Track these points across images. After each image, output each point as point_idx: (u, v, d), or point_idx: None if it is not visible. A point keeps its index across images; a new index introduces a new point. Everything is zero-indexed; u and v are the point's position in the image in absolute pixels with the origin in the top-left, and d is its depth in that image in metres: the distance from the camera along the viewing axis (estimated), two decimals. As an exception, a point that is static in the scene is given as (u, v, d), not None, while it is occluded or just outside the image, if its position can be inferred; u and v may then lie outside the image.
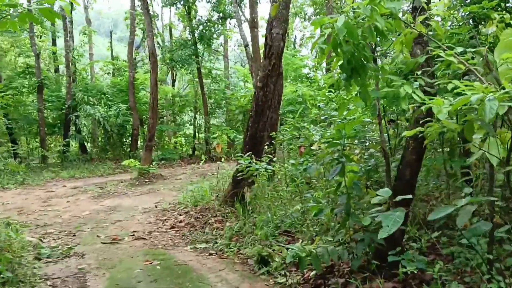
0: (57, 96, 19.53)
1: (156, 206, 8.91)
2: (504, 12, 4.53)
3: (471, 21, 5.33)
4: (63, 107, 18.95)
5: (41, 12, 3.91)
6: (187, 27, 20.97)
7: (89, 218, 7.88)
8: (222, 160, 10.51)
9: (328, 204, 4.65)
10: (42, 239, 6.29)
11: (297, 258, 3.82)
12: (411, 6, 3.73)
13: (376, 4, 2.69)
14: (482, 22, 4.91)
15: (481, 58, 2.86)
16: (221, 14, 19.65)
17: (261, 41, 13.11)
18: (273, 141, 7.45)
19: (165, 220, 7.53)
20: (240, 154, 6.43)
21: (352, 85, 3.05)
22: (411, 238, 4.18)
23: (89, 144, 21.47)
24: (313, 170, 4.81)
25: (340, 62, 2.98)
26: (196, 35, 19.77)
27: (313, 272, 3.97)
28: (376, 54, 3.81)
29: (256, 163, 5.96)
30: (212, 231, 6.23)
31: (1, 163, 13.99)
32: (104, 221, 7.63)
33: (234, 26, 22.54)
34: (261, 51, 9.70)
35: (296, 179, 5.90)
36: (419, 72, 3.17)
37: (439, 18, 4.55)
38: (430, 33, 3.65)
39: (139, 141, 20.16)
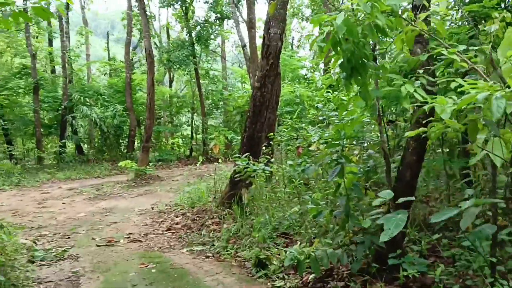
0: (53, 97, 19.42)
1: (152, 208, 8.81)
2: (504, 11, 4.47)
3: (470, 20, 5.27)
4: (60, 108, 18.83)
5: (34, 11, 3.84)
6: (185, 28, 20.89)
7: (84, 220, 7.79)
8: (220, 161, 10.44)
9: (327, 205, 4.57)
10: (36, 241, 6.20)
11: (295, 261, 3.75)
12: (411, 5, 3.66)
13: (377, 1, 2.62)
14: (483, 21, 4.84)
15: (484, 57, 2.80)
16: (218, 15, 19.59)
17: (259, 41, 13.07)
18: (271, 142, 7.37)
19: (161, 222, 7.45)
20: (237, 155, 6.36)
21: (352, 84, 2.98)
22: (411, 240, 4.11)
23: (85, 145, 21.36)
24: (311, 171, 4.74)
25: (339, 61, 2.91)
26: (193, 35, 19.70)
27: (312, 276, 3.90)
28: (375, 53, 3.74)
29: (253, 164, 5.89)
30: (209, 233, 6.15)
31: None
32: (99, 223, 7.54)
33: (232, 27, 22.51)
34: (259, 52, 9.63)
35: (294, 180, 5.82)
36: (421, 71, 3.10)
37: (438, 17, 4.48)
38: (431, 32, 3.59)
39: (136, 142, 20.07)
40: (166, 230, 6.80)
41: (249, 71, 16.94)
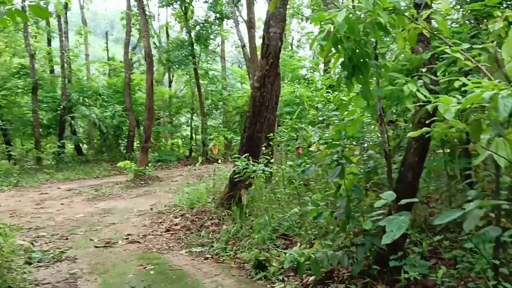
0: (52, 97, 19.35)
1: (151, 209, 8.76)
2: (506, 10, 4.43)
3: (471, 20, 5.23)
4: (58, 108, 18.77)
5: (31, 9, 3.79)
6: (184, 28, 20.84)
7: (83, 221, 7.73)
8: (219, 161, 10.37)
9: (327, 207, 4.52)
10: (33, 242, 6.14)
11: (295, 263, 3.71)
12: (413, 3, 3.61)
13: (379, -2, 2.57)
14: (485, 20, 4.80)
15: (488, 55, 2.74)
16: (218, 15, 19.54)
17: (258, 42, 13.02)
18: (270, 143, 7.32)
19: (160, 223, 7.39)
20: (237, 155, 6.31)
21: (354, 83, 2.93)
22: (412, 241, 4.06)
23: (84, 146, 21.29)
24: (311, 172, 4.69)
25: (340, 60, 2.86)
26: (193, 35, 19.64)
27: (312, 278, 3.85)
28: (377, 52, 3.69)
29: (253, 165, 5.84)
30: (208, 235, 6.09)
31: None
32: (98, 224, 7.48)
33: (231, 27, 22.46)
34: (259, 52, 9.58)
35: (294, 181, 5.78)
36: (424, 70, 3.05)
37: (440, 16, 4.44)
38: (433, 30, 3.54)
39: (135, 143, 20.00)
40: (165, 231, 6.75)
41: (249, 71, 16.89)
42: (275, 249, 4.85)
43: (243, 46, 17.18)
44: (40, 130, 18.20)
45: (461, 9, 5.50)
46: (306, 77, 20.33)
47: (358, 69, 2.81)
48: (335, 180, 3.85)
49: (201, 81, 20.95)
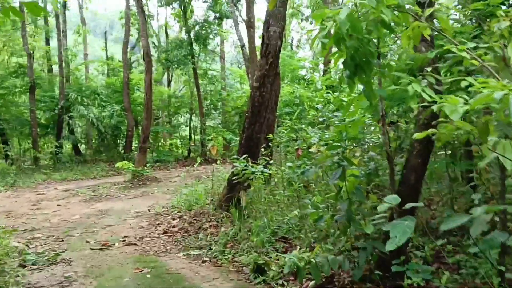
0: (50, 96, 19.26)
1: (149, 210, 8.66)
2: (511, 9, 4.35)
3: (474, 19, 5.15)
4: (56, 108, 18.67)
5: (26, 6, 3.70)
6: (183, 27, 20.76)
7: (79, 223, 7.63)
8: (218, 162, 10.28)
9: (328, 209, 4.43)
10: (28, 244, 6.03)
11: (295, 268, 3.61)
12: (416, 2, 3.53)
13: (382, -5, 2.49)
14: (487, 20, 4.72)
15: (494, 54, 2.66)
16: (217, 14, 19.47)
17: (258, 41, 12.94)
18: (269, 143, 7.23)
19: (157, 224, 7.29)
20: (235, 156, 6.21)
21: (356, 83, 2.84)
22: (414, 245, 3.97)
23: (82, 146, 21.18)
24: (311, 174, 4.60)
25: (342, 59, 2.77)
26: (192, 35, 19.56)
27: (312, 282, 3.76)
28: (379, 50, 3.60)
29: (252, 166, 5.75)
30: (206, 237, 5.99)
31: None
32: (94, 225, 7.38)
33: (231, 27, 22.40)
34: (258, 52, 9.50)
35: (294, 183, 5.69)
36: (429, 69, 2.96)
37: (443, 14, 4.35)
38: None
39: (133, 143, 19.90)
40: (163, 233, 6.65)
41: (248, 71, 16.80)
42: (275, 253, 4.75)
43: (243, 46, 17.10)
44: (38, 129, 18.11)
45: (463, 9, 5.43)
46: (306, 77, 20.27)
47: (361, 68, 2.72)
48: (336, 182, 3.76)
49: (200, 81, 20.87)
